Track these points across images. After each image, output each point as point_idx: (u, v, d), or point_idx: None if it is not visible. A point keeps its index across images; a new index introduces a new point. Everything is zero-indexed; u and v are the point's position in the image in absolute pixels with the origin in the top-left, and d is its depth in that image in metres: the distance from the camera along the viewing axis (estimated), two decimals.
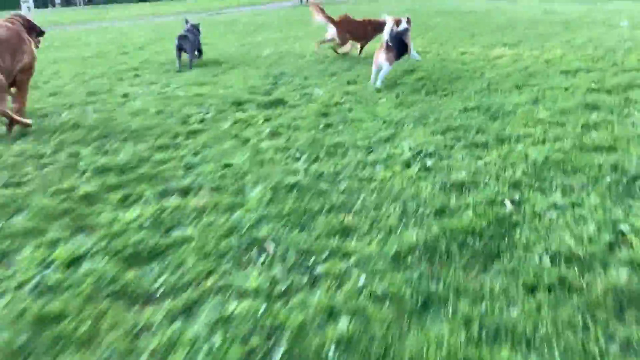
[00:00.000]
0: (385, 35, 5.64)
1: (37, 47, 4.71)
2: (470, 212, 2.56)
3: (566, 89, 5.02)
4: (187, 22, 7.71)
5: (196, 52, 7.53)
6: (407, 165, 3.25)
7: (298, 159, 3.43)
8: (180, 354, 1.70)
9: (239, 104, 4.97)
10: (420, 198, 2.76)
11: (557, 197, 2.71)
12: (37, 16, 14.77)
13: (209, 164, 3.36)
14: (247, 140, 3.83)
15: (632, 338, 1.71)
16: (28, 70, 4.46)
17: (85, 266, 2.20)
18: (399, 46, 5.73)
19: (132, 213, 2.67)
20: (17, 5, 22.61)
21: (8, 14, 4.96)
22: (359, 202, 2.74)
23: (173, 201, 2.82)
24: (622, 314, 1.84)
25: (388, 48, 5.59)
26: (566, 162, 3.16)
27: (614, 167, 3.04)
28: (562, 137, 3.63)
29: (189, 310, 1.93)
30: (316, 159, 3.42)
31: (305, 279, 2.08)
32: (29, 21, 4.71)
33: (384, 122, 4.22)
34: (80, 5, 37.88)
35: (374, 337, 1.75)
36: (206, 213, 2.67)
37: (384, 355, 1.68)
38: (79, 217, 2.67)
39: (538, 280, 2.02)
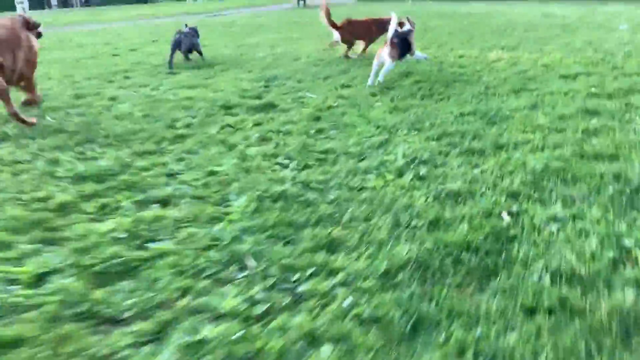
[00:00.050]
0: (390, 32, 5.58)
1: (38, 37, 4.86)
2: (465, 225, 2.41)
3: (565, 94, 4.89)
4: (186, 26, 7.67)
5: (197, 54, 7.63)
6: (400, 173, 3.10)
7: (286, 167, 3.28)
8: None
9: (228, 108, 4.82)
10: (413, 209, 2.61)
11: (557, 208, 2.57)
12: (33, 17, 14.54)
13: (193, 172, 3.21)
14: (234, 146, 3.68)
15: None
16: (31, 64, 4.58)
17: (51, 284, 2.04)
18: (402, 46, 5.67)
19: (107, 224, 2.52)
20: (12, 7, 22.45)
21: (2, 15, 4.92)
22: (348, 213, 2.59)
23: (152, 211, 2.66)
24: (628, 339, 1.70)
25: (392, 45, 5.55)
26: (566, 171, 3.02)
27: (617, 177, 2.90)
28: (561, 144, 3.49)
29: (159, 334, 1.78)
30: (305, 167, 3.28)
31: (287, 299, 1.93)
32: (27, 19, 4.73)
33: (378, 127, 4.07)
34: (76, 6, 37.75)
35: None
36: (186, 224, 2.52)
37: None
38: (51, 229, 2.51)
39: (537, 301, 1.88)
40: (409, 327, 1.77)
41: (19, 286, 2.03)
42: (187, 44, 7.48)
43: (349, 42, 7.61)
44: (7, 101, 4.09)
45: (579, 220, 2.45)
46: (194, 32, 7.59)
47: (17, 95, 4.66)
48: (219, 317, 1.84)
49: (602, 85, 5.17)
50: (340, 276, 2.05)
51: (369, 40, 7.72)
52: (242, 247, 2.27)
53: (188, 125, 4.29)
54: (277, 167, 3.28)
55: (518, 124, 3.98)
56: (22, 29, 4.53)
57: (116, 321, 1.85)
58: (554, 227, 2.40)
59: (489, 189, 2.82)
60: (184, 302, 1.92)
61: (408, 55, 5.93)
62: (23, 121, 4.21)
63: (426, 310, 1.85)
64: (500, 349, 1.66)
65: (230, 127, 4.21)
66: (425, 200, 2.70)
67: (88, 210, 2.71)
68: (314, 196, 2.81)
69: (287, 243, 2.33)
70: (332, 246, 2.29)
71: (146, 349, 1.71)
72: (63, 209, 2.73)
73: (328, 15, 7.50)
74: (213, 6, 27.06)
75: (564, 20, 12.11)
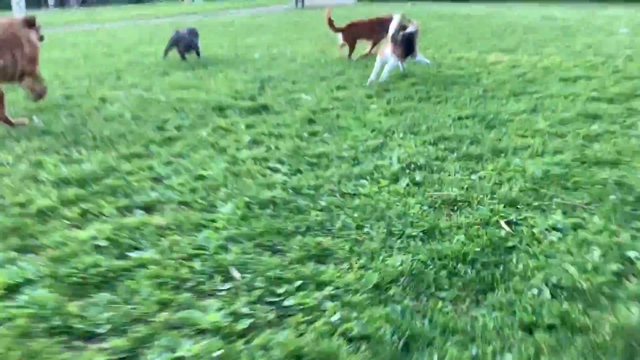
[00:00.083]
0: (391, 29, 5.55)
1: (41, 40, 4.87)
2: (462, 235, 2.31)
3: (566, 97, 4.79)
4: (177, 33, 7.66)
5: (195, 54, 7.74)
6: (395, 179, 3.00)
7: (277, 171, 3.17)
8: None
9: (221, 110, 4.71)
10: (408, 217, 2.50)
11: (557, 217, 2.47)
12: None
13: (180, 176, 3.10)
14: (224, 150, 3.57)
15: None
16: (32, 60, 4.59)
17: (24, 295, 1.93)
18: (406, 46, 5.63)
19: (88, 231, 2.40)
20: (8, 6, 22.29)
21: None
22: (340, 221, 2.48)
23: (135, 218, 2.55)
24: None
25: (395, 43, 5.52)
26: (567, 178, 2.92)
27: (619, 184, 2.80)
28: (562, 149, 3.39)
29: (135, 351, 1.67)
30: (297, 171, 3.17)
31: (272, 314, 1.82)
32: (25, 17, 4.75)
33: (373, 130, 3.97)
34: (74, 6, 37.60)
35: None
36: (170, 232, 2.41)
37: None
38: (29, 236, 2.40)
39: (537, 318, 1.77)
40: (400, 345, 1.66)
41: None
42: (186, 42, 7.51)
43: (351, 44, 7.57)
44: (1, 106, 4.09)
45: (580, 230, 2.35)
46: (194, 32, 7.66)
47: (15, 96, 4.56)
48: (199, 333, 1.73)
49: (603, 89, 5.07)
50: (329, 289, 1.94)
51: (374, 40, 7.65)
52: (227, 257, 2.16)
53: (178, 128, 4.17)
54: (267, 171, 3.18)
55: (517, 128, 3.88)
56: (21, 27, 4.53)
57: (90, 337, 1.74)
58: (554, 237, 2.30)
59: (486, 196, 2.72)
60: (163, 316, 1.81)
61: (409, 57, 5.88)
62: (12, 124, 4.20)
63: (419, 327, 1.74)
64: None
65: (222, 130, 4.10)
66: (420, 208, 2.59)
67: (69, 216, 2.60)
68: (305, 202, 2.70)
69: (274, 253, 2.22)
70: (321, 256, 2.18)
71: None
72: (43, 214, 2.62)
73: (331, 21, 7.60)
74: (212, 6, 26.97)
75: (564, 23, 12.03)
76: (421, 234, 2.35)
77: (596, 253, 2.13)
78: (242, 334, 1.72)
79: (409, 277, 2.01)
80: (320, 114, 4.50)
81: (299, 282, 1.99)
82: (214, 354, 1.63)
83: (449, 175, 3.04)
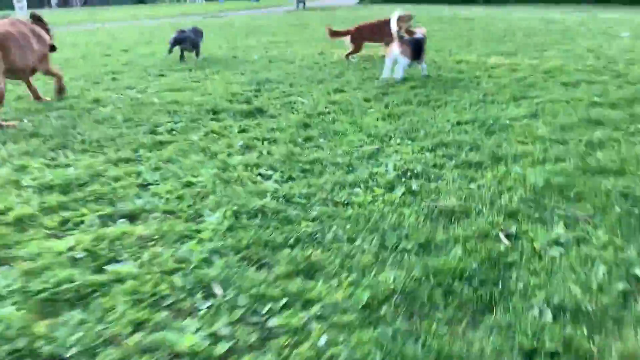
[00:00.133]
0: (392, 28, 5.62)
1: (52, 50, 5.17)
2: (459, 249, 2.19)
3: (567, 102, 4.68)
4: (181, 31, 7.81)
5: (194, 54, 7.85)
6: (391, 187, 2.88)
7: (269, 178, 3.06)
8: None
9: (214, 113, 4.60)
10: (402, 229, 2.38)
11: (559, 230, 2.35)
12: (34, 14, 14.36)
13: (168, 182, 2.98)
14: (215, 155, 3.46)
15: None
16: (44, 58, 4.93)
17: None
18: (415, 49, 5.67)
19: (66, 242, 2.29)
20: (10, 6, 22.21)
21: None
22: (331, 232, 2.36)
23: (117, 227, 2.43)
24: None
25: (403, 41, 5.57)
26: (569, 187, 2.80)
27: (624, 195, 2.68)
28: (564, 156, 3.27)
29: None
30: (289, 178, 3.05)
31: (254, 336, 1.70)
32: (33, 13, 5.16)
33: (369, 135, 3.85)
34: (76, 5, 37.55)
35: None
36: (152, 243, 2.29)
37: None
38: (4, 246, 2.28)
39: (538, 342, 1.65)
40: None
41: None
42: (191, 41, 7.63)
43: (358, 46, 7.54)
44: None
45: (583, 245, 2.23)
46: (198, 32, 7.85)
47: (7, 96, 4.47)
48: (174, 358, 1.61)
49: (605, 94, 4.96)
50: (316, 308, 1.82)
51: (386, 41, 7.59)
52: (210, 272, 2.04)
53: (170, 131, 4.06)
54: (258, 178, 3.06)
55: (518, 134, 3.77)
56: (27, 25, 4.78)
57: None
58: (556, 252, 2.18)
59: (485, 207, 2.60)
60: (136, 337, 1.69)
61: (415, 62, 5.91)
62: (1, 126, 4.16)
63: (412, 351, 1.62)
64: None
65: (215, 134, 3.99)
66: (416, 219, 2.47)
67: (48, 225, 2.48)
68: (296, 212, 2.58)
69: (260, 267, 2.10)
70: (310, 272, 2.06)
71: None
72: (21, 223, 2.50)
73: (334, 33, 7.76)
74: (213, 7, 26.89)
75: (564, 26, 11.93)
76: (416, 247, 2.23)
77: (601, 270, 2.01)
78: (221, 359, 1.61)
79: (401, 296, 1.89)
80: (316, 117, 4.39)
81: (284, 300, 1.87)
82: None
83: (447, 183, 2.92)
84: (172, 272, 2.06)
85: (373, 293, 1.90)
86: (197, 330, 1.72)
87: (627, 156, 3.26)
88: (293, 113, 4.55)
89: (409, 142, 3.68)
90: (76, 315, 1.80)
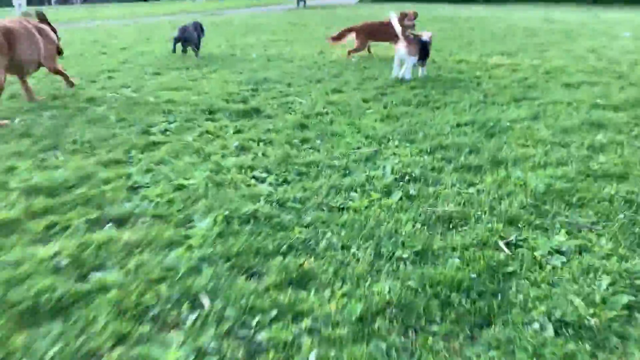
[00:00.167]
0: (396, 29, 5.69)
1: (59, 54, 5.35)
2: (457, 258, 2.11)
3: (569, 104, 4.60)
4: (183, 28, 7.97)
5: (193, 50, 7.95)
6: (388, 192, 2.80)
7: (263, 181, 2.98)
8: None
9: (210, 113, 4.52)
10: (399, 236, 2.30)
11: (561, 238, 2.27)
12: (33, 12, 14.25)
13: (159, 185, 2.90)
14: (209, 156, 3.38)
15: None
16: (51, 56, 5.03)
17: None
18: (421, 50, 5.67)
19: (50, 248, 2.21)
20: (9, 3, 22.12)
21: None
22: (325, 239, 2.29)
23: (104, 233, 2.36)
24: None
25: (409, 40, 5.56)
26: (571, 193, 2.72)
27: (628, 201, 2.60)
28: (565, 160, 3.19)
29: None
30: (284, 181, 2.97)
31: (241, 351, 1.63)
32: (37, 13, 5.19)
33: (367, 137, 3.77)
34: (76, 3, 37.43)
35: None
36: (139, 250, 2.21)
37: None
38: None
39: (538, 359, 1.58)
40: None
41: None
42: (194, 36, 7.78)
43: (363, 43, 7.57)
44: None
45: (586, 254, 2.15)
46: (199, 27, 8.02)
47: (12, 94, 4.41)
48: None
49: (608, 95, 4.88)
50: (307, 321, 1.74)
51: (394, 40, 7.55)
52: (198, 281, 1.97)
53: (164, 132, 3.98)
54: (252, 181, 2.98)
55: (518, 137, 3.69)
56: (33, 23, 4.82)
57: None
58: (557, 261, 2.10)
59: (484, 213, 2.52)
60: (117, 352, 1.61)
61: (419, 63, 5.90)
62: None
63: None
64: None
65: (209, 134, 3.91)
66: (413, 226, 2.40)
67: (33, 229, 2.40)
68: (289, 217, 2.50)
69: (250, 276, 2.03)
70: (302, 281, 1.98)
71: None
72: (5, 228, 2.42)
73: (337, 37, 7.76)
74: (213, 5, 26.78)
75: (565, 27, 11.83)
76: (412, 255, 2.15)
77: (604, 282, 1.93)
78: None
79: (396, 308, 1.81)
80: (313, 118, 4.31)
81: (274, 312, 1.79)
82: None
83: (445, 188, 2.84)
84: (158, 281, 1.98)
85: (367, 305, 1.82)
86: (182, 344, 1.64)
87: (631, 160, 3.18)
88: (290, 113, 4.47)
89: (408, 144, 3.60)
90: (56, 326, 1.72)
